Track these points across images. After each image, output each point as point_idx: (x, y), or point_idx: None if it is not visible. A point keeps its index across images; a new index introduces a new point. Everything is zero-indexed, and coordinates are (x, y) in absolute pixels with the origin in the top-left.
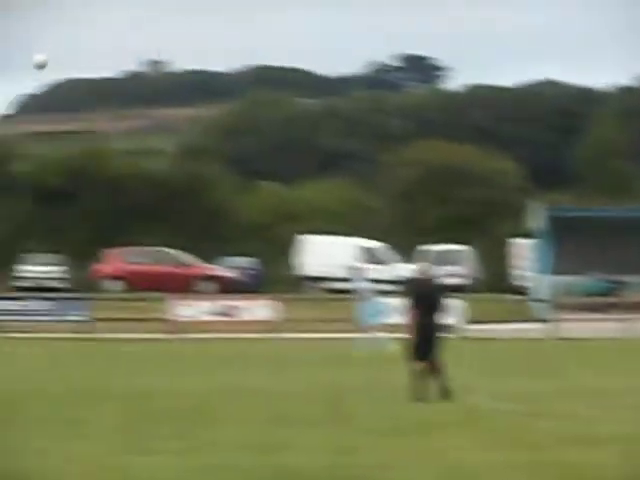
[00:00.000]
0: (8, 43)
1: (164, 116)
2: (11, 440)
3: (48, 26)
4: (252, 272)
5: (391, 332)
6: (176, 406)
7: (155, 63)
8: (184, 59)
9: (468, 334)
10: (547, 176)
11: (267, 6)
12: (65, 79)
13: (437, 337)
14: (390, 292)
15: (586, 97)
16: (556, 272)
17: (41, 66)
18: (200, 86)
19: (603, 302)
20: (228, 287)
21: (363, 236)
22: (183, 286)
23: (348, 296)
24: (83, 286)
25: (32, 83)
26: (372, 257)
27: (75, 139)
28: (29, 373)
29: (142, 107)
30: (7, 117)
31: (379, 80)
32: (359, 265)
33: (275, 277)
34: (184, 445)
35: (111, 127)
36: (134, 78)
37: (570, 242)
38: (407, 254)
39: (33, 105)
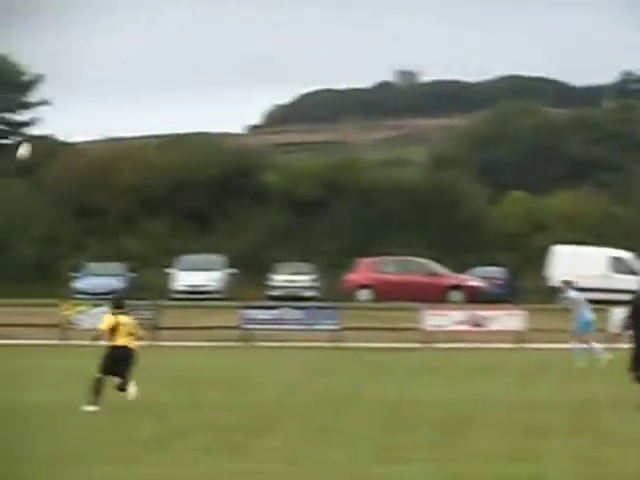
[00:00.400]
0: (265, 55)
1: (415, 126)
2: (262, 447)
3: (301, 40)
4: (500, 282)
5: (611, 342)
6: (427, 415)
7: (405, 73)
8: (433, 69)
9: None
10: None
11: (518, 17)
12: (314, 90)
13: None
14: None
15: None
16: None
17: (23, 157)
18: (451, 96)
19: None
20: (476, 297)
21: (613, 246)
22: (433, 295)
23: (596, 306)
24: (334, 295)
25: (281, 94)
26: (622, 267)
27: (325, 150)
28: (283, 382)
29: (392, 118)
30: (256, 128)
31: (629, 90)
32: (567, 276)
33: (526, 287)
34: (435, 454)
35: (361, 138)
36: (384, 88)
37: None
38: None
39: (281, 116)
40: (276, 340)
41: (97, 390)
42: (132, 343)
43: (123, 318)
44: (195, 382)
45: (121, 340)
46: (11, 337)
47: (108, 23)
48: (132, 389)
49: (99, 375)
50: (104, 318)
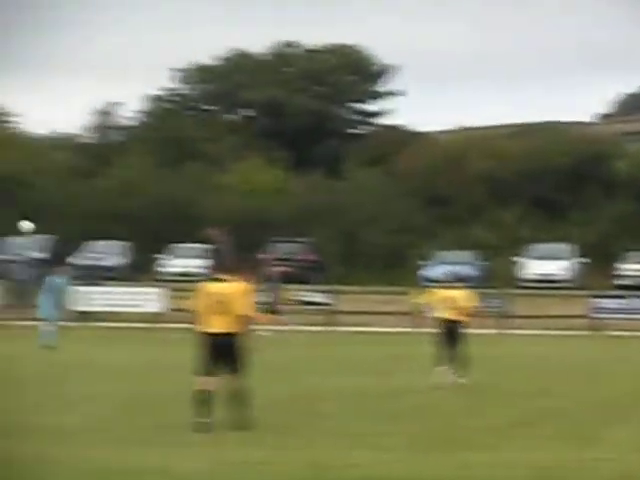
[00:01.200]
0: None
1: None
2: (611, 437)
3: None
4: None
5: None
6: None
7: None
8: None
9: None
10: None
11: None
12: None
13: None
14: None
15: None
16: None
17: (27, 231)
18: None
19: None
20: None
21: None
22: None
23: None
24: None
25: (630, 83)
26: None
27: None
28: (634, 372)
29: None
30: (607, 116)
31: None
32: None
33: None
34: None
35: None
36: None
37: None
38: None
39: (631, 104)
40: (626, 329)
41: (442, 361)
42: (460, 318)
43: (453, 293)
44: (545, 370)
45: (449, 314)
46: (366, 325)
47: (450, 13)
48: (444, 374)
49: (438, 348)
50: (430, 291)
